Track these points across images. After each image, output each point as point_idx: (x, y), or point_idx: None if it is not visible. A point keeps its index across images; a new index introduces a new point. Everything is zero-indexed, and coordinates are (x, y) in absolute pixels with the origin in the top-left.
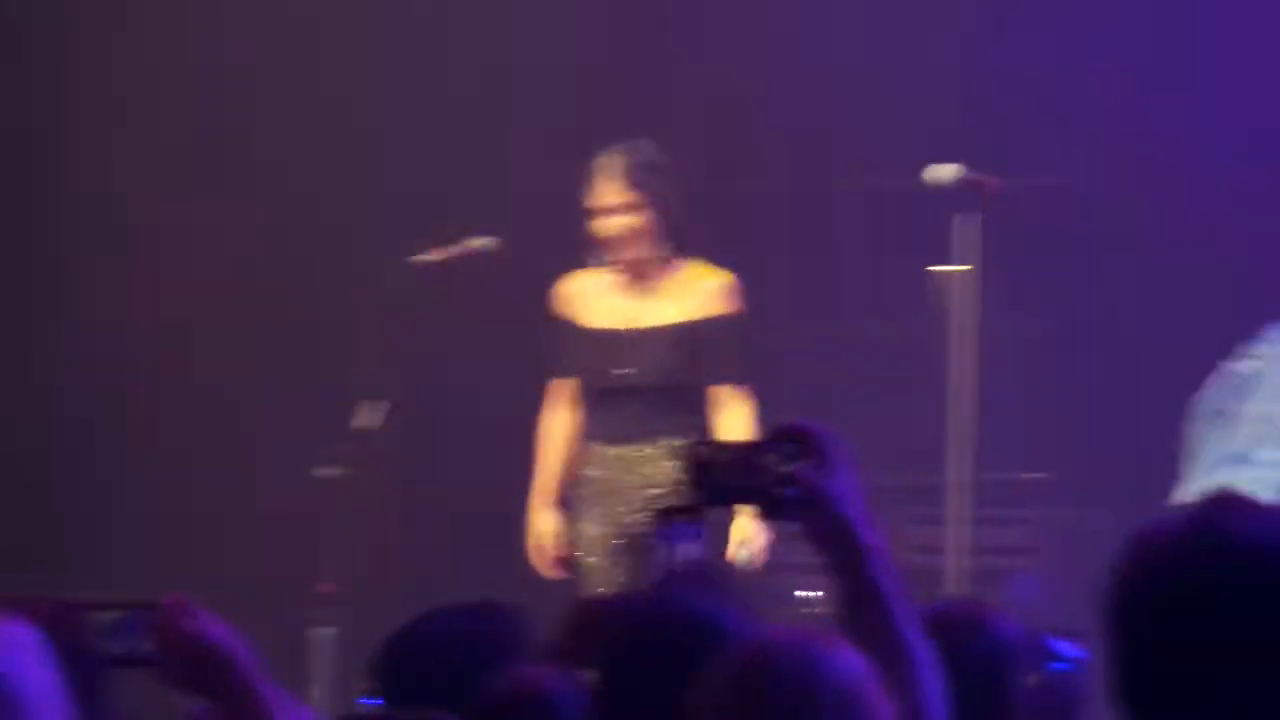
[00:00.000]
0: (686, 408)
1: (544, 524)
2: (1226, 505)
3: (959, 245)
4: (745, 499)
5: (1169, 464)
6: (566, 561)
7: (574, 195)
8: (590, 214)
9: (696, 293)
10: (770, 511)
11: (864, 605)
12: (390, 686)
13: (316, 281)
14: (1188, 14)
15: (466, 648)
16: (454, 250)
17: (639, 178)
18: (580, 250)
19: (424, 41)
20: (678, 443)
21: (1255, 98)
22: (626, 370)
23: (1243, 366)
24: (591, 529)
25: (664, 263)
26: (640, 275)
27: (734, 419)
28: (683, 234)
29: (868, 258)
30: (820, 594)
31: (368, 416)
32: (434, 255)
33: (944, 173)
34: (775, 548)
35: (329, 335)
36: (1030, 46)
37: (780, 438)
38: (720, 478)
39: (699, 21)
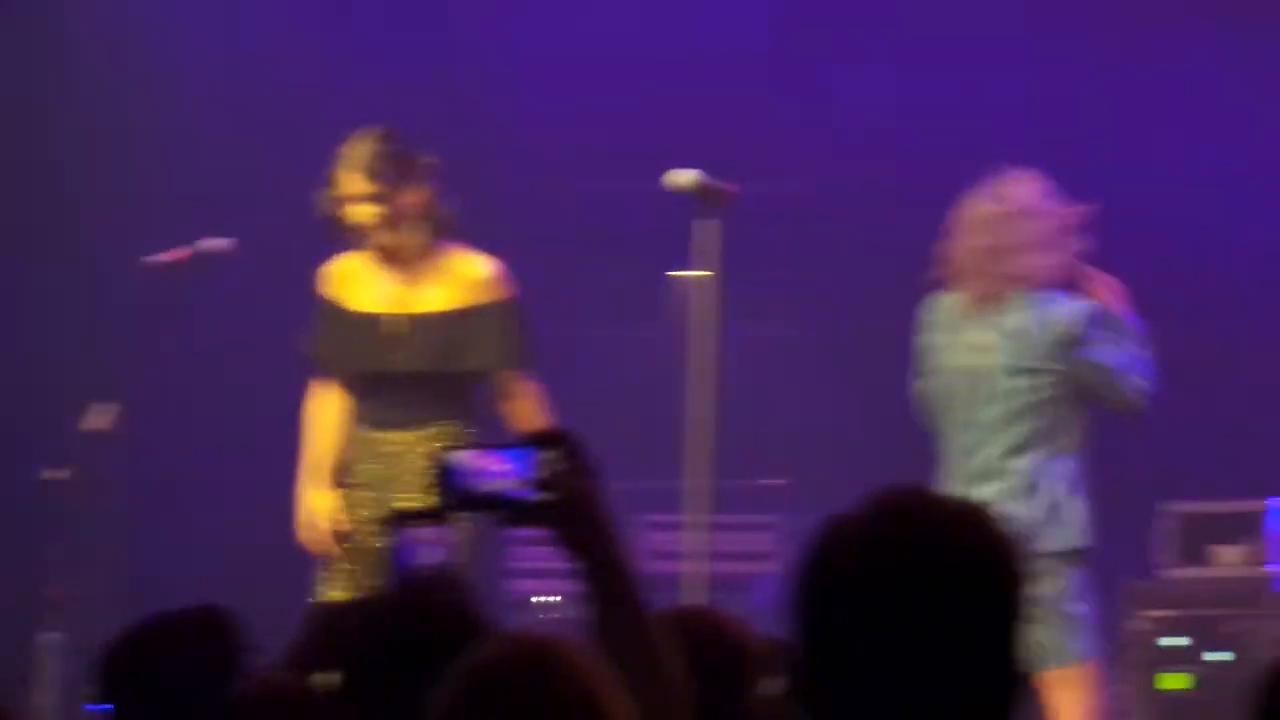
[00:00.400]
0: (453, 395)
1: (316, 501)
2: (906, 493)
3: (698, 251)
4: (493, 505)
5: (909, 468)
6: (340, 536)
7: (308, 192)
8: (338, 202)
9: (464, 280)
10: (518, 518)
11: (614, 610)
12: (113, 694)
13: (46, 281)
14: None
15: (187, 653)
16: (187, 251)
17: (379, 166)
18: (320, 247)
19: (159, 39)
20: (445, 429)
21: (993, 102)
22: (393, 356)
23: (919, 389)
24: (361, 516)
25: (427, 249)
26: (404, 261)
27: (522, 404)
28: (440, 220)
29: (607, 261)
30: (557, 598)
31: (97, 418)
32: (167, 256)
33: (683, 178)
34: (516, 552)
35: (58, 336)
36: (765, 46)
37: (533, 442)
38: (467, 483)
39: (443, 14)
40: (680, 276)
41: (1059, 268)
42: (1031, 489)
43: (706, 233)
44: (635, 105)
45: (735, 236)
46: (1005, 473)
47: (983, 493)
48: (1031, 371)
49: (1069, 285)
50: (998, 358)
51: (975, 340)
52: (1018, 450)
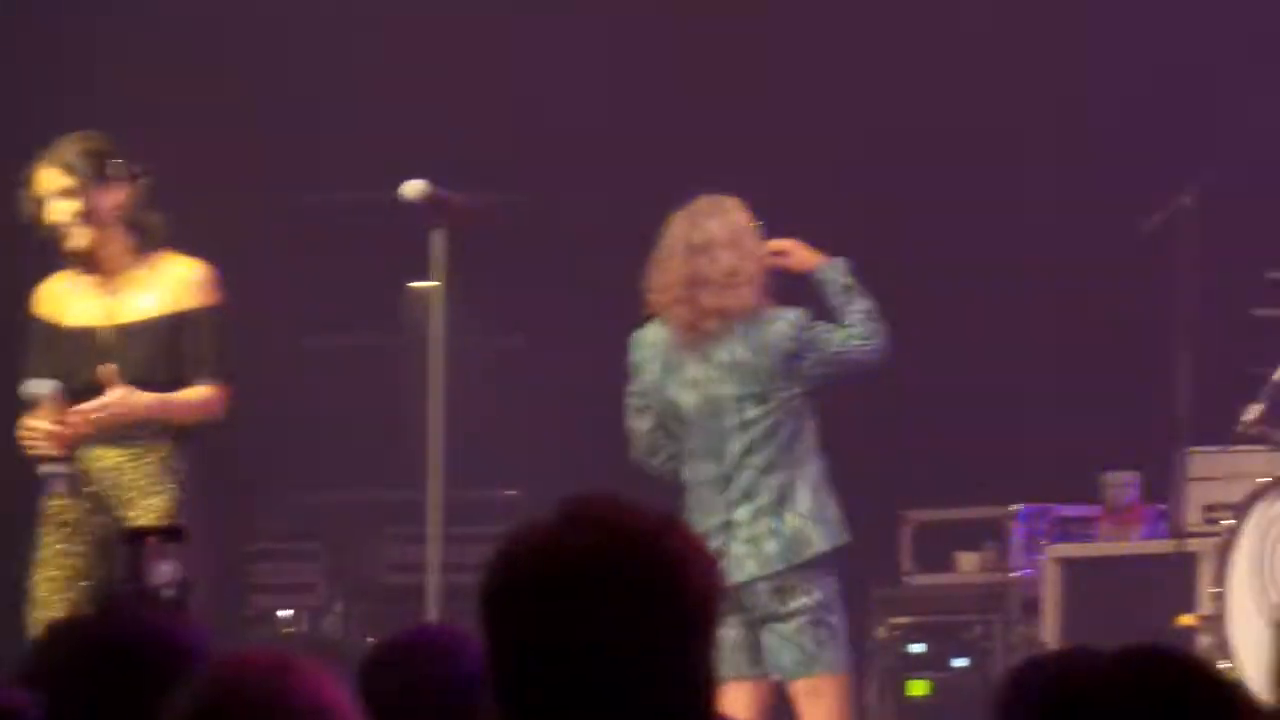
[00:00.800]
0: None
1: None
2: (595, 501)
3: (434, 261)
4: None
5: (641, 478)
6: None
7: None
8: (37, 202)
9: (172, 284)
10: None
11: None
12: None
13: None
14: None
15: None
16: None
17: (77, 162)
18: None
19: None
20: (158, 444)
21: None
22: (105, 369)
23: (639, 424)
24: (78, 535)
25: (132, 256)
26: (111, 271)
27: (212, 413)
28: (145, 227)
29: (342, 271)
30: (291, 613)
31: None
32: None
33: (413, 188)
34: (258, 568)
35: None
36: (499, 59)
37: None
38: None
39: (175, 15)
40: (418, 287)
41: (752, 292)
42: (787, 501)
43: (440, 242)
44: (374, 113)
45: (472, 246)
46: (760, 491)
47: (740, 513)
48: (762, 396)
49: (766, 287)
50: (727, 389)
51: (699, 375)
52: (768, 470)
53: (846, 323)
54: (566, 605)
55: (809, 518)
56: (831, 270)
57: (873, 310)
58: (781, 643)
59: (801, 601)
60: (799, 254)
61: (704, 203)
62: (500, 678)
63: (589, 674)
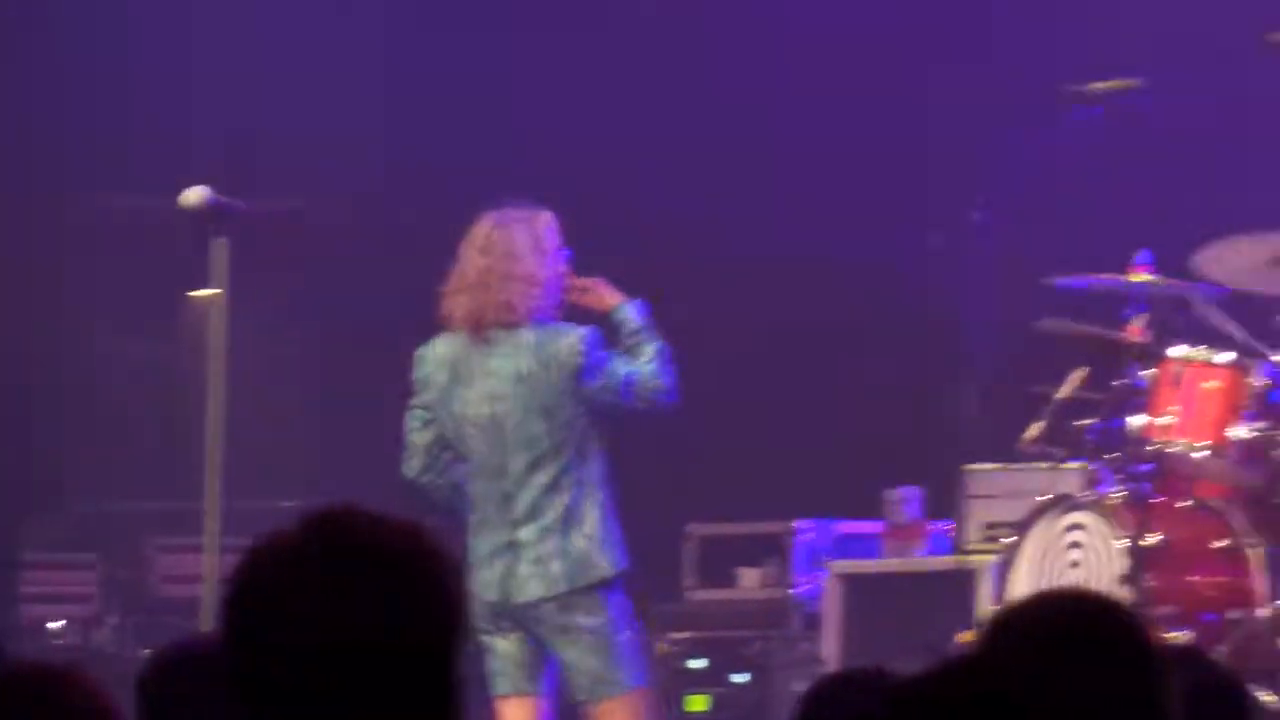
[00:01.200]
0: None
1: None
2: (338, 511)
3: (215, 269)
4: None
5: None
6: None
7: None
8: None
9: None
10: None
11: None
12: None
13: None
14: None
15: None
16: None
17: None
18: None
19: None
20: None
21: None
22: None
23: (424, 437)
24: None
25: None
26: None
27: None
28: None
29: (123, 278)
30: (64, 624)
31: None
32: None
33: (194, 196)
34: (29, 576)
35: None
36: (287, 62)
37: None
38: None
39: None
40: (198, 295)
41: (545, 302)
42: (572, 523)
43: (220, 250)
44: (156, 117)
45: (255, 253)
46: (545, 511)
47: (525, 534)
48: (548, 412)
49: (559, 306)
50: (513, 404)
51: (485, 389)
52: (552, 489)
53: (640, 361)
54: (302, 608)
55: (595, 540)
56: (628, 311)
57: (664, 352)
58: (573, 668)
59: (589, 622)
60: (599, 292)
61: (517, 209)
62: (240, 680)
63: (326, 676)
